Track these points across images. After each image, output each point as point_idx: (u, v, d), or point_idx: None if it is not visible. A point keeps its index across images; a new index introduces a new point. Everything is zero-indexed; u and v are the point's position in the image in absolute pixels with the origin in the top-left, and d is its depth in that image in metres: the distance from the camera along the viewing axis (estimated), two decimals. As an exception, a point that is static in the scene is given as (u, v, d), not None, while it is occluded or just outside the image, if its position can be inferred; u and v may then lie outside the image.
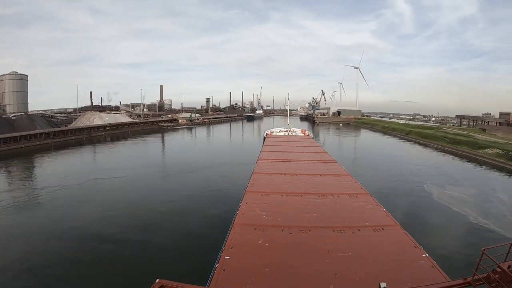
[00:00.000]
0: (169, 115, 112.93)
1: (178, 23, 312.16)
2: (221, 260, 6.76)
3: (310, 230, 8.43)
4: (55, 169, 33.78)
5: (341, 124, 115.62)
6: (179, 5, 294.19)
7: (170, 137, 71.39)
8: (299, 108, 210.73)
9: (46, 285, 11.91)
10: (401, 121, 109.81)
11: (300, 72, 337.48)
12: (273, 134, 39.27)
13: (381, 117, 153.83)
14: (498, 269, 5.12)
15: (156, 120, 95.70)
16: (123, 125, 75.88)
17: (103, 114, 79.73)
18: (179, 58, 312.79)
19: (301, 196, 11.66)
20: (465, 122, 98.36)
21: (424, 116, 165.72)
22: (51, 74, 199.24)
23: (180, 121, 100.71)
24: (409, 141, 65.73)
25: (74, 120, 78.58)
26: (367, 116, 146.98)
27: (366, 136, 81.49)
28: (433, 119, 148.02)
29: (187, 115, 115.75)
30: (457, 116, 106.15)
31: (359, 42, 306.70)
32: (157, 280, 5.18)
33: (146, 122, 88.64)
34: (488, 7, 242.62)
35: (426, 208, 21.16)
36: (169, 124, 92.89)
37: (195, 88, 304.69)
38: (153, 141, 64.20)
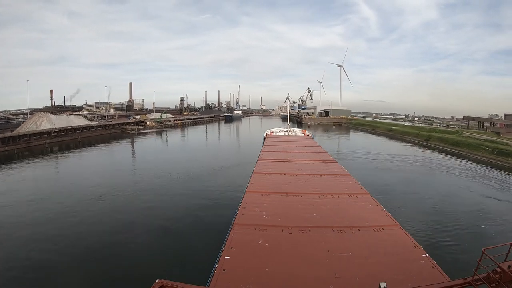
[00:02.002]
0: (137, 116, 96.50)
1: (154, 26, 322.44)
2: (221, 260, 6.76)
3: (310, 230, 8.43)
4: None
5: (333, 126, 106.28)
6: (154, 9, 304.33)
7: (129, 146, 55.43)
8: (276, 108, 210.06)
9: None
10: (406, 123, 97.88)
11: (274, 73, 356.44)
12: (273, 134, 39.30)
13: (362, 116, 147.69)
14: (498, 269, 5.12)
15: (118, 123, 77.67)
16: (74, 130, 59.56)
17: (52, 116, 62.58)
18: (154, 59, 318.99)
19: (301, 196, 11.66)
20: (473, 124, 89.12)
21: (406, 116, 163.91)
22: (27, 74, 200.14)
23: (148, 123, 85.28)
24: (433, 149, 53.16)
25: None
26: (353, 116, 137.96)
27: (379, 144, 62.09)
28: (416, 118, 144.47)
29: (158, 115, 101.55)
30: (464, 118, 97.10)
31: (328, 45, 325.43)
32: (157, 280, 5.18)
33: (105, 126, 71.17)
34: (449, 12, 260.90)
35: None
36: (133, 127, 76.24)
37: (171, 88, 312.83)
38: (107, 152, 48.95)
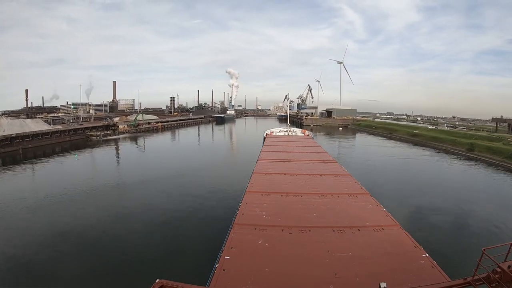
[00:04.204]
0: (116, 118, 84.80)
1: (149, 30, 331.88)
2: (221, 260, 6.76)
3: (310, 230, 8.43)
4: None
5: (340, 128, 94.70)
6: (149, 15, 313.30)
7: (72, 165, 37.67)
8: (272, 108, 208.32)
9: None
10: (430, 126, 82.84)
11: (267, 74, 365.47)
12: (273, 134, 39.32)
13: (362, 116, 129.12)
14: (498, 269, 5.12)
15: (82, 128, 62.77)
16: (22, 137, 47.09)
17: (4, 120, 52.22)
18: (149, 60, 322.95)
19: (301, 196, 11.65)
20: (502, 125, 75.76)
21: (407, 116, 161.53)
22: (25, 76, 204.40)
23: (120, 127, 71.34)
24: (483, 162, 40.22)
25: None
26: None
27: (427, 159, 44.19)
28: (419, 119, 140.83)
29: (150, 117, 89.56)
30: (493, 119, 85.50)
31: (317, 47, 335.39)
32: (157, 280, 5.19)
33: (64, 131, 57.31)
34: (430, 15, 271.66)
35: None
36: (98, 133, 62.45)
37: (167, 89, 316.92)
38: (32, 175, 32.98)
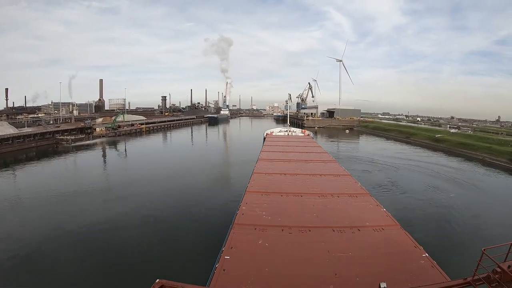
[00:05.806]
0: (100, 119, 76.29)
1: (144, 33, 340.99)
2: (221, 260, 6.76)
3: (310, 230, 8.43)
4: None
5: (347, 131, 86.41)
6: (145, 18, 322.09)
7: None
8: (267, 108, 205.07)
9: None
10: (452, 130, 72.08)
11: (261, 74, 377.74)
12: (273, 134, 39.35)
13: (361, 117, 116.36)
14: (498, 269, 5.12)
15: (51, 131, 53.86)
16: None
17: None
18: (145, 62, 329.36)
19: (301, 196, 11.66)
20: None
21: (406, 116, 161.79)
22: (19, 76, 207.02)
23: (97, 129, 63.55)
24: None
25: None
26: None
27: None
28: (419, 119, 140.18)
29: (134, 118, 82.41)
30: None
31: (308, 48, 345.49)
32: (157, 280, 5.19)
33: (28, 136, 48.86)
34: (416, 17, 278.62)
35: None
36: (68, 138, 53.39)
37: (162, 89, 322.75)
38: None
